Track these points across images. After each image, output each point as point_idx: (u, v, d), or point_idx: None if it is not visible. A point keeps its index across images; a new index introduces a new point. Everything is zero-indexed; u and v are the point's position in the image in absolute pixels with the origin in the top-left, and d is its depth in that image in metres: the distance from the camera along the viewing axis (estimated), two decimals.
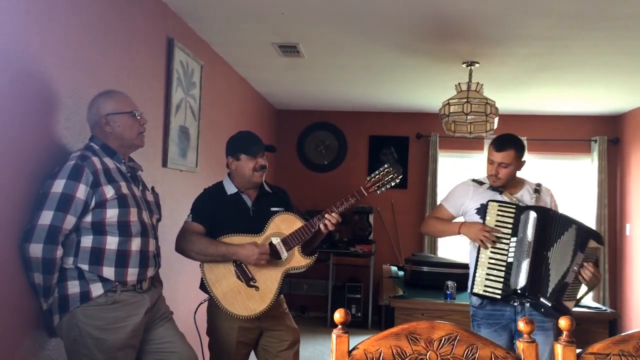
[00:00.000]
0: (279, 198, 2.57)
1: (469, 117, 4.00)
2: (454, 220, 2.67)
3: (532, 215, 2.39)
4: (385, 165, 2.40)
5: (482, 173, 2.73)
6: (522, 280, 2.35)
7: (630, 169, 5.67)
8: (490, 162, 2.55)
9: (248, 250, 2.30)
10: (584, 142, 5.99)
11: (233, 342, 2.39)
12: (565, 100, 5.36)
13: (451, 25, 3.33)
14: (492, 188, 2.57)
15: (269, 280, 2.34)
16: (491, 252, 2.43)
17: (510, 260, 2.39)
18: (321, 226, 2.34)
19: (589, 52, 3.74)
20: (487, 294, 2.41)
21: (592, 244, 2.40)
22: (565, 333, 1.32)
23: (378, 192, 2.38)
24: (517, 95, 5.17)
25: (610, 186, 5.90)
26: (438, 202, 6.05)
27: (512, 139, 2.57)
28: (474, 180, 2.68)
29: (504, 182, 2.53)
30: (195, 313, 2.43)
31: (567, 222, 2.40)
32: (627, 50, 3.64)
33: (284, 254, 2.35)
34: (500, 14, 3.10)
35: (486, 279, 2.41)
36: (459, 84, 4.05)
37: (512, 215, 2.42)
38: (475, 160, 6.16)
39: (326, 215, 2.33)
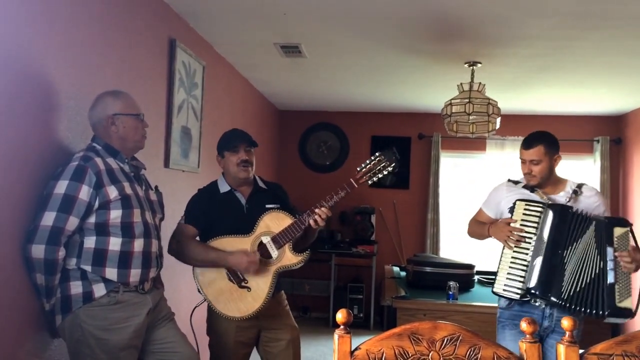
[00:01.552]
0: (274, 194, 2.54)
1: (471, 117, 4.00)
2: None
3: (550, 213, 2.34)
4: (377, 154, 2.30)
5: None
6: (534, 279, 2.31)
7: (632, 169, 5.66)
8: (522, 161, 2.51)
9: (237, 258, 2.30)
10: (587, 142, 5.98)
11: (231, 342, 2.40)
12: (567, 101, 5.35)
13: (453, 26, 3.33)
14: (527, 187, 2.51)
15: (261, 280, 2.33)
16: (514, 251, 2.38)
17: (530, 259, 2.35)
18: (311, 222, 2.29)
19: (591, 53, 3.74)
20: (506, 293, 2.36)
21: (618, 231, 2.25)
22: (567, 333, 1.32)
23: (369, 182, 2.29)
24: (519, 96, 5.16)
25: (612, 186, 5.88)
26: (440, 203, 6.14)
27: (540, 135, 2.52)
28: (509, 180, 2.62)
29: (540, 179, 2.46)
30: (191, 316, 2.43)
31: (587, 220, 2.30)
32: (629, 50, 3.63)
33: (275, 253, 2.33)
34: (502, 14, 3.10)
35: (507, 278, 2.36)
36: (461, 84, 4.05)
37: (538, 214, 2.36)
38: (478, 160, 6.14)
39: (316, 210, 2.28)
